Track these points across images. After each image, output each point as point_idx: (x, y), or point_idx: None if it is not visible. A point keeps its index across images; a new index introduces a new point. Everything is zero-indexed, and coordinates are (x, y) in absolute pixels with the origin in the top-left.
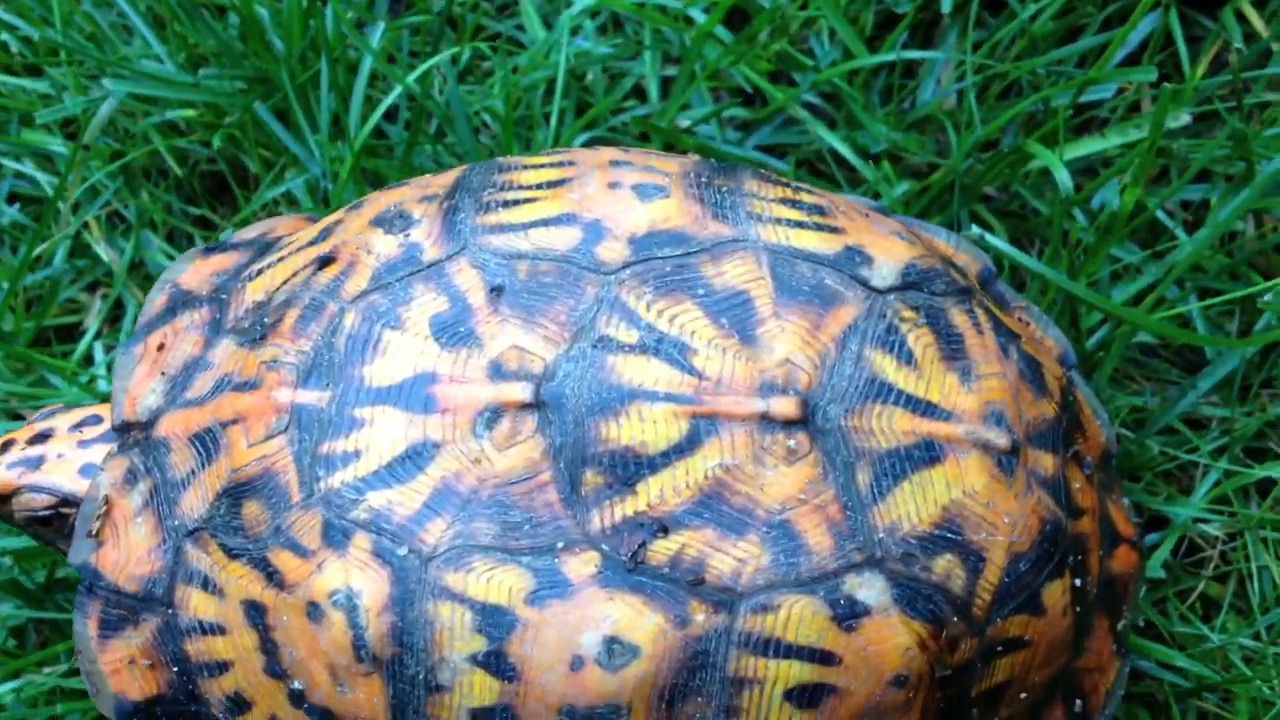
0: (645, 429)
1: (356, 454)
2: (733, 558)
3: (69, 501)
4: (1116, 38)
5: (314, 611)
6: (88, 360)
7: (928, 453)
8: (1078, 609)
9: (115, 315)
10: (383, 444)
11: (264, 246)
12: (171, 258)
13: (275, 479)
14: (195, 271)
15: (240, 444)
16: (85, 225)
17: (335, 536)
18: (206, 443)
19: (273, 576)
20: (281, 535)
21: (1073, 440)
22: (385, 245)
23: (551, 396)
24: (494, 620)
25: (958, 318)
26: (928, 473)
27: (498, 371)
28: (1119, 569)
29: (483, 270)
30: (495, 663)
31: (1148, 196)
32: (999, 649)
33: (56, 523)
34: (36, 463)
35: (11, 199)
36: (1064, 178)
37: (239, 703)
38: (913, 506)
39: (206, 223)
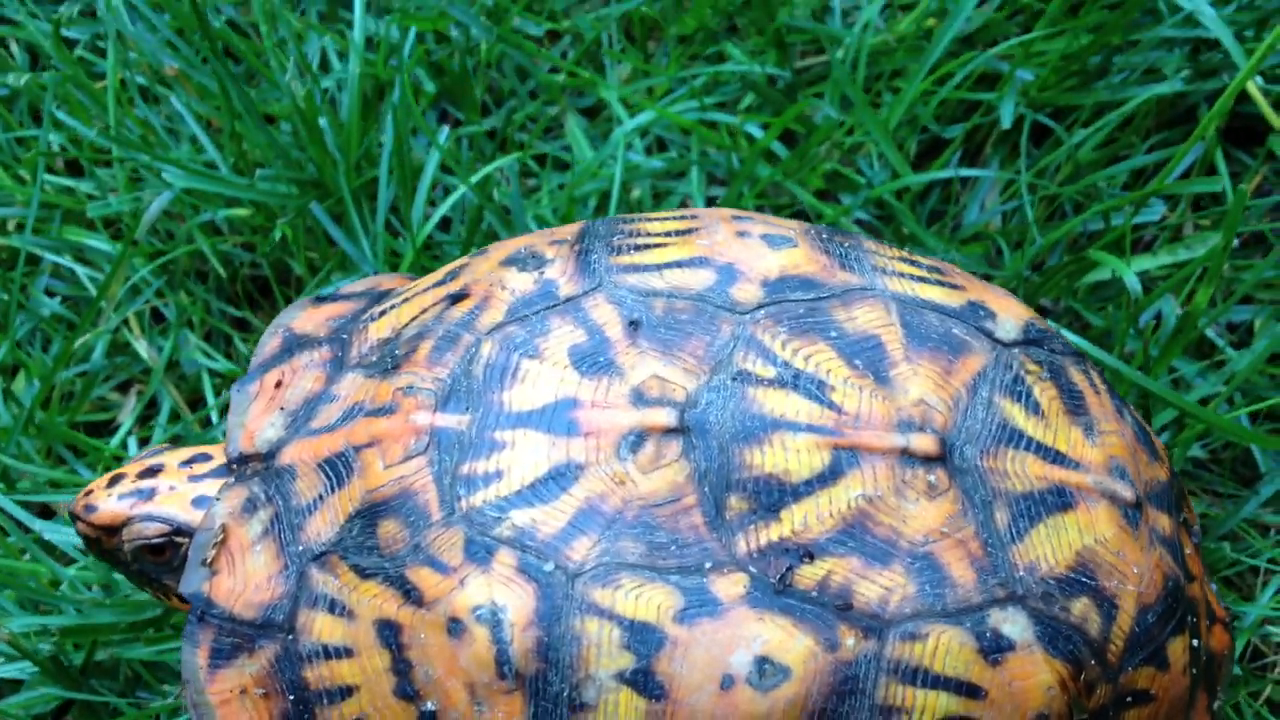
0: (789, 457)
1: (498, 474)
2: (879, 585)
3: (183, 531)
4: (1176, 155)
5: (455, 627)
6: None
7: (1060, 499)
8: (1193, 671)
9: (147, 415)
10: (525, 465)
11: (376, 296)
12: (209, 356)
13: (414, 498)
14: (309, 318)
15: (376, 466)
16: (125, 322)
17: (478, 553)
18: (338, 467)
19: (410, 594)
20: (421, 553)
21: (1182, 508)
22: (520, 282)
23: (695, 423)
24: (643, 637)
25: (1076, 376)
26: (1061, 517)
27: (640, 398)
28: (1216, 646)
29: (619, 306)
30: (643, 681)
31: (1197, 317)
32: (1128, 699)
33: (169, 552)
34: (148, 494)
35: (48, 293)
36: (1133, 281)
37: None
38: (1049, 548)
39: (245, 324)
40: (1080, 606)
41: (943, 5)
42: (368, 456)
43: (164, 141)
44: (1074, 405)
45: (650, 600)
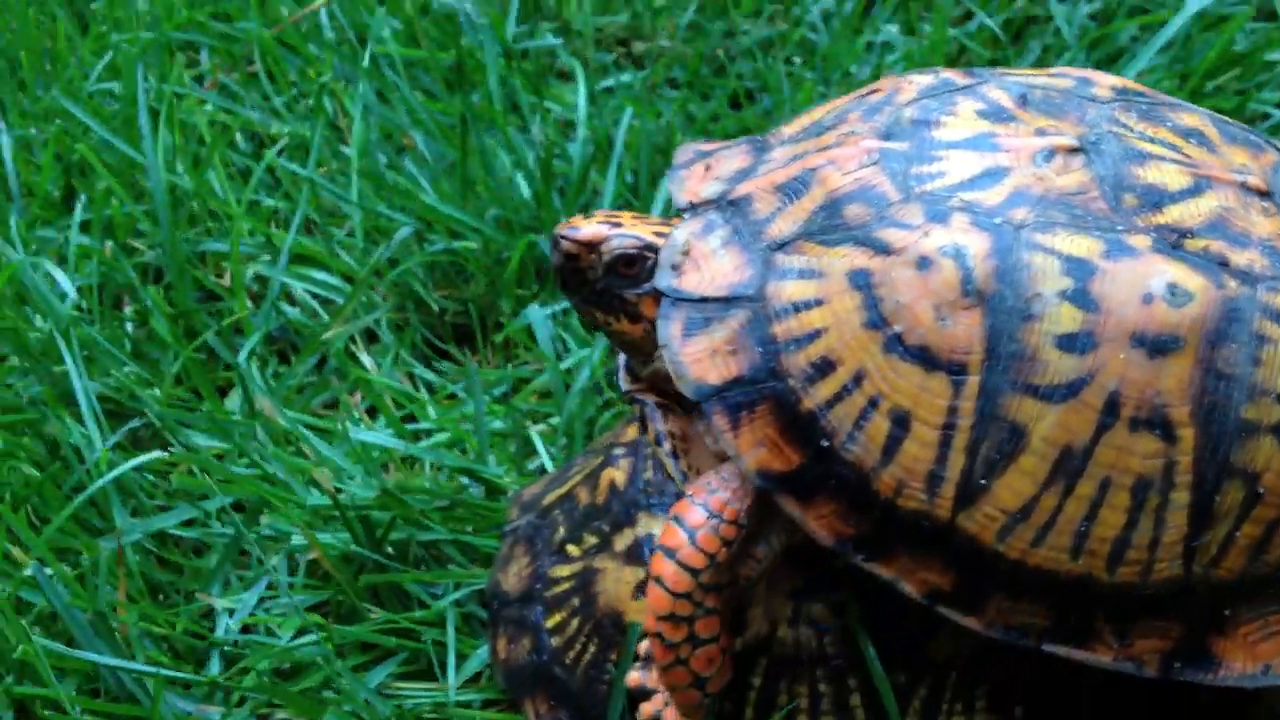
0: (1164, 176)
1: (941, 174)
2: (1244, 258)
3: (651, 248)
4: None
5: (923, 263)
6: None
7: None
8: None
9: None
10: (961, 168)
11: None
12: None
13: (874, 189)
14: (709, 144)
15: (835, 176)
16: (352, 340)
17: (937, 215)
18: (795, 186)
19: (879, 247)
20: (886, 220)
21: None
22: (922, 78)
23: (1090, 146)
24: (1078, 267)
25: None
26: None
27: (1042, 133)
28: None
29: (1008, 90)
30: (1080, 298)
31: None
32: None
33: (638, 266)
34: (618, 225)
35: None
36: None
37: (824, 365)
38: None
39: (447, 355)
40: None
41: None
42: (824, 172)
43: (396, 189)
44: None
45: (1081, 243)
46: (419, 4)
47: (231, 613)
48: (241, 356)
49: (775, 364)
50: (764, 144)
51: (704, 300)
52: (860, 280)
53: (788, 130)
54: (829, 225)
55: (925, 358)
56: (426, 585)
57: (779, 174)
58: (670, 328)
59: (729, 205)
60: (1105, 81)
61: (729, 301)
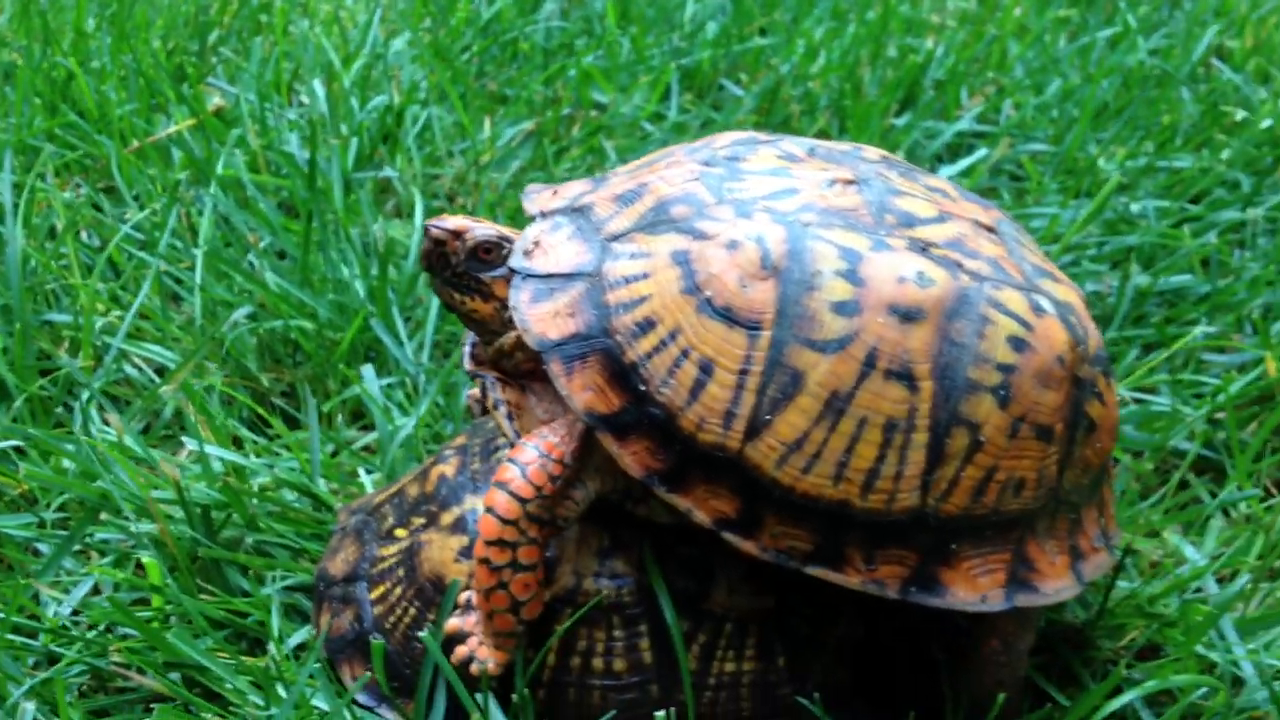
0: (917, 206)
1: (747, 188)
2: (975, 265)
3: (507, 239)
4: None
5: (732, 244)
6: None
7: (1050, 276)
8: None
9: None
10: (762, 187)
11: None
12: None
13: (695, 195)
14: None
15: (663, 188)
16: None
17: (744, 213)
18: (630, 196)
19: (697, 234)
20: (704, 215)
21: None
22: (734, 133)
23: (862, 179)
24: (850, 254)
25: None
26: (1054, 284)
27: (825, 171)
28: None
29: (799, 145)
30: (850, 275)
31: None
32: (1094, 390)
33: (495, 253)
34: (479, 221)
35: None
36: None
37: (646, 324)
38: (1055, 289)
39: (270, 426)
40: (1074, 318)
41: None
42: (654, 184)
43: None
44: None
45: (853, 239)
46: (263, 142)
47: (60, 602)
48: (82, 398)
49: (607, 324)
50: (602, 178)
51: (550, 276)
52: (680, 258)
53: (622, 169)
54: (657, 221)
55: (729, 317)
56: (255, 580)
57: (617, 188)
58: (520, 295)
59: (573, 211)
60: (873, 151)
61: (570, 277)
